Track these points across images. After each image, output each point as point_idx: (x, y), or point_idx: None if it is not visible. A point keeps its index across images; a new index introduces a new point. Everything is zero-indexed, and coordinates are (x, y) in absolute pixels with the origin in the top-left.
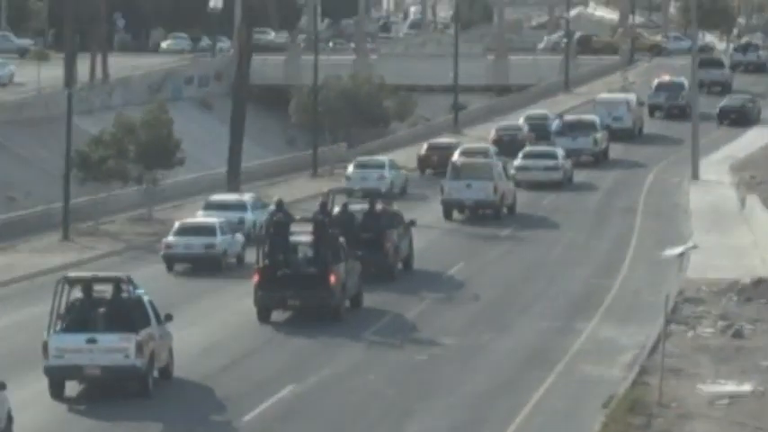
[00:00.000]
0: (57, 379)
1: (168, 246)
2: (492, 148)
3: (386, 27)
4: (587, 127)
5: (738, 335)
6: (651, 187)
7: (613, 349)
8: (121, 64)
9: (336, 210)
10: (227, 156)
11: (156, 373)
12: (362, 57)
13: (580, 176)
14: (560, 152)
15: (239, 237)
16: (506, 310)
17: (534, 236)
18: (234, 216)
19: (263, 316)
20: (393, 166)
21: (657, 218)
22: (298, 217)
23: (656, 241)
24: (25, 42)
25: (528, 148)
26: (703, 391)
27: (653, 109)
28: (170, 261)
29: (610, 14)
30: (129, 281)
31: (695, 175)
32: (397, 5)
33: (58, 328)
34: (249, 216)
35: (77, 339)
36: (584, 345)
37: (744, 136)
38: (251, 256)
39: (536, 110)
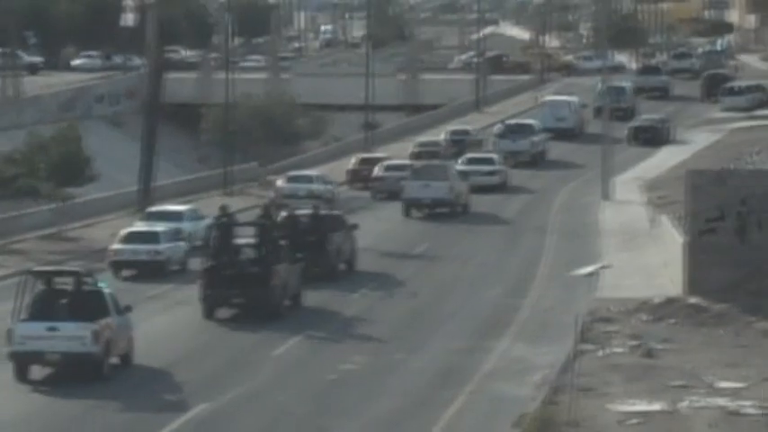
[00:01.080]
0: (20, 363)
1: (115, 253)
2: (414, 163)
3: (299, 46)
4: (526, 130)
5: (649, 354)
6: (562, 206)
7: (524, 368)
8: (35, 82)
9: (283, 214)
10: (139, 174)
11: (117, 360)
12: (275, 75)
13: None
14: (497, 158)
15: (183, 244)
16: (418, 330)
17: (446, 254)
18: (172, 226)
19: (209, 313)
20: (323, 180)
21: (568, 237)
22: (242, 221)
23: (567, 260)
24: None
25: (468, 155)
26: (614, 411)
27: (597, 112)
28: (117, 267)
29: (522, 34)
30: (89, 274)
31: (606, 195)
32: (309, 24)
33: (23, 317)
34: (187, 226)
35: (39, 327)
36: (495, 364)
37: (654, 156)
38: (193, 263)
39: (458, 125)
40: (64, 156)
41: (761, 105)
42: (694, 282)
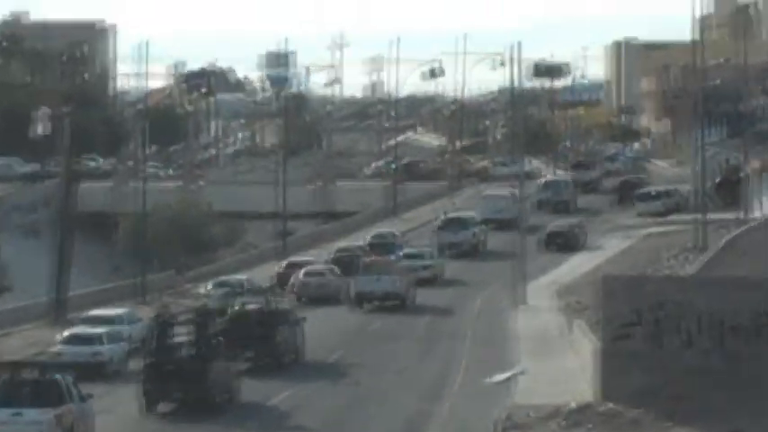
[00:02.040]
0: None
1: (58, 354)
2: (335, 268)
3: (214, 154)
4: (466, 222)
5: None
6: (478, 313)
7: None
8: None
9: (234, 308)
10: (52, 284)
11: None
12: (189, 183)
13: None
14: (430, 252)
15: (123, 345)
16: None
17: (363, 361)
18: (112, 328)
19: (150, 407)
20: (250, 285)
21: (485, 343)
22: (181, 318)
23: (483, 366)
24: None
25: (405, 250)
26: None
27: (540, 204)
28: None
29: (437, 140)
30: (52, 366)
31: (522, 300)
32: (224, 132)
33: None
34: (125, 328)
35: (4, 413)
36: None
37: (569, 261)
38: (133, 364)
39: (383, 228)
40: None
41: (675, 210)
42: (609, 387)
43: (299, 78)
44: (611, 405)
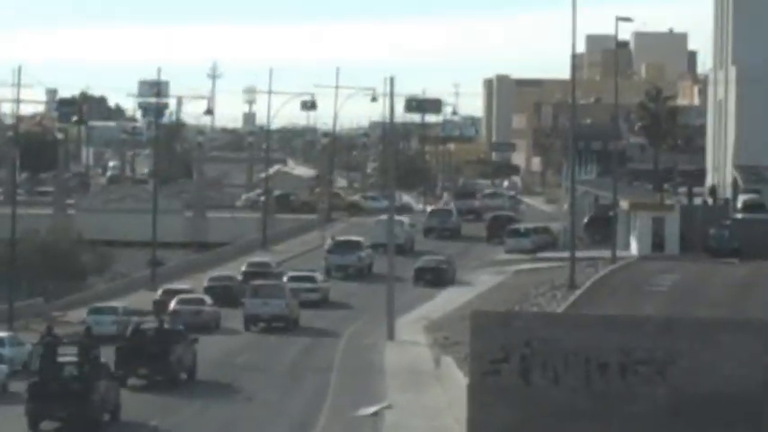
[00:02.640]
0: None
1: None
2: (206, 298)
3: (84, 182)
4: (354, 246)
5: None
6: (347, 346)
7: None
8: None
9: (130, 327)
10: None
11: None
12: (60, 211)
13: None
14: (319, 276)
15: (3, 368)
16: None
17: (227, 392)
18: None
19: (33, 425)
20: (127, 311)
21: (353, 377)
22: (65, 340)
23: (350, 400)
24: None
25: (291, 273)
26: None
27: (427, 231)
28: None
29: (308, 172)
30: None
31: (390, 336)
32: (96, 159)
33: None
34: (7, 351)
35: None
36: None
37: (439, 296)
38: (14, 386)
39: (257, 258)
40: None
41: (545, 247)
42: (477, 423)
43: (172, 108)
44: None
